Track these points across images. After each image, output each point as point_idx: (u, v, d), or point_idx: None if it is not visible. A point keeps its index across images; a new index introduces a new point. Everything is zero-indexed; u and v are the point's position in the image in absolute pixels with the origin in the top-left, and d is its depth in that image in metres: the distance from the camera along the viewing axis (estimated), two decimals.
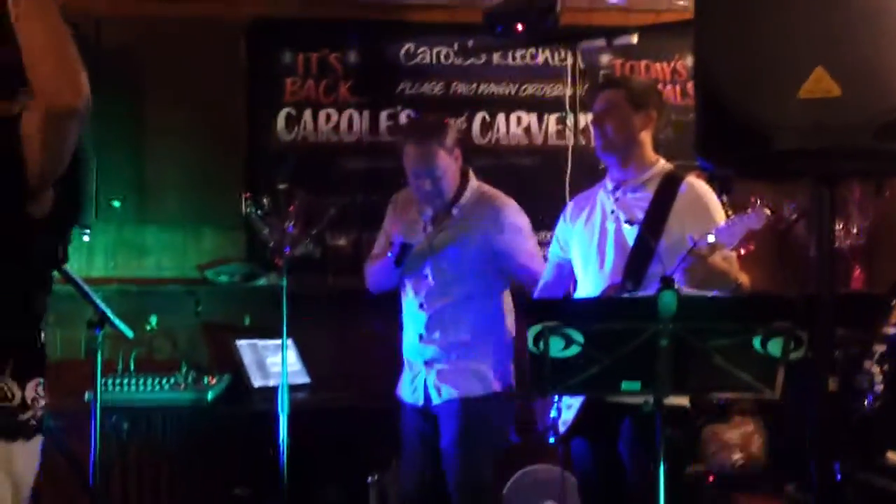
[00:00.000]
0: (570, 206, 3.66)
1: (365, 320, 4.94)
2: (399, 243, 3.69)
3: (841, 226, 4.89)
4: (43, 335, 2.30)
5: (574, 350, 2.49)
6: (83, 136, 2.20)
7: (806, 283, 2.52)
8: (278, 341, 4.18)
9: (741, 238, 2.83)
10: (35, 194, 2.14)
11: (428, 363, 3.79)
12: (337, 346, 5.04)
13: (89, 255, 5.00)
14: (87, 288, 3.88)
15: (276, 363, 4.62)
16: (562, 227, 3.64)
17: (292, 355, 4.79)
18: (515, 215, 3.81)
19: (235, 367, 4.69)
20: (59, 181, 2.18)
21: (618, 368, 2.50)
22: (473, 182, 3.86)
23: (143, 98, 5.21)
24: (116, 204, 5.05)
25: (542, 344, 2.49)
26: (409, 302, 3.86)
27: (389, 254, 3.76)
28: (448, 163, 3.74)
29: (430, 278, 3.78)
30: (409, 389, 3.87)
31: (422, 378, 3.81)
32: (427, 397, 3.80)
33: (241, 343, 4.75)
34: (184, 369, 4.62)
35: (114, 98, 5.05)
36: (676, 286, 2.41)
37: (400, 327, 3.98)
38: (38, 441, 2.24)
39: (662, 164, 3.45)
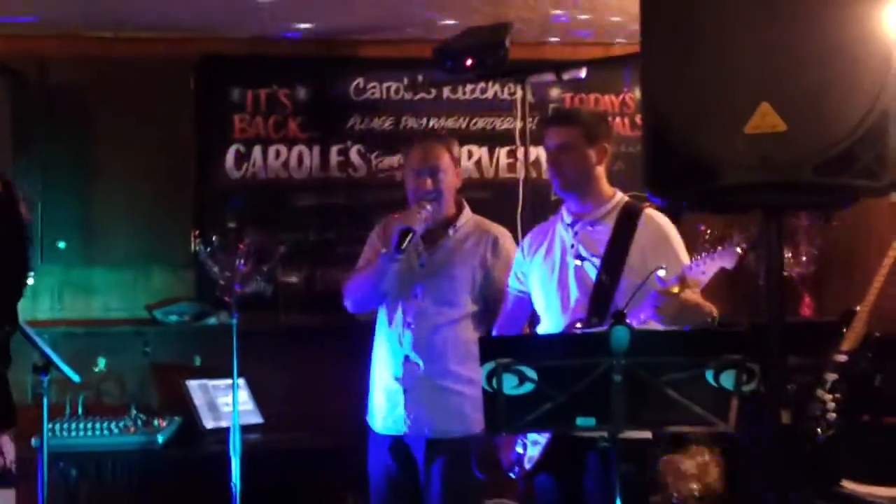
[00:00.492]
0: (527, 239, 3.64)
1: (317, 358, 4.89)
2: (400, 229, 3.56)
3: (790, 254, 4.95)
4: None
5: (528, 387, 2.48)
6: None
7: (756, 311, 2.54)
8: (229, 381, 4.12)
9: (712, 275, 2.85)
10: None
11: (408, 390, 3.67)
12: (290, 384, 4.97)
13: (34, 298, 4.90)
14: (31, 332, 3.81)
15: (227, 403, 4.56)
16: (519, 260, 3.62)
17: (244, 395, 4.73)
18: (512, 245, 3.80)
19: (186, 409, 4.61)
20: None
21: (572, 404, 2.49)
22: (468, 210, 3.86)
23: (90, 137, 5.15)
24: (62, 245, 4.97)
25: (495, 381, 2.47)
26: (395, 321, 3.75)
27: (383, 251, 3.64)
28: (450, 166, 3.74)
29: (420, 297, 3.71)
30: (383, 417, 3.75)
31: (400, 406, 3.69)
32: (405, 426, 3.68)
33: (192, 383, 4.69)
34: (133, 412, 4.54)
35: (60, 138, 5.01)
36: (634, 321, 2.40)
37: (357, 363, 3.92)
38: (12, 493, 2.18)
39: (620, 197, 3.45)
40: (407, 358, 3.68)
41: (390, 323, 3.77)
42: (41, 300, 4.97)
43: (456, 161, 3.81)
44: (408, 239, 3.53)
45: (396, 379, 3.71)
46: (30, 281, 4.64)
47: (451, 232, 3.77)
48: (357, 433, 3.88)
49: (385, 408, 3.75)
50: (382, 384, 3.77)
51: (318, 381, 4.89)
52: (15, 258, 2.26)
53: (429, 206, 3.66)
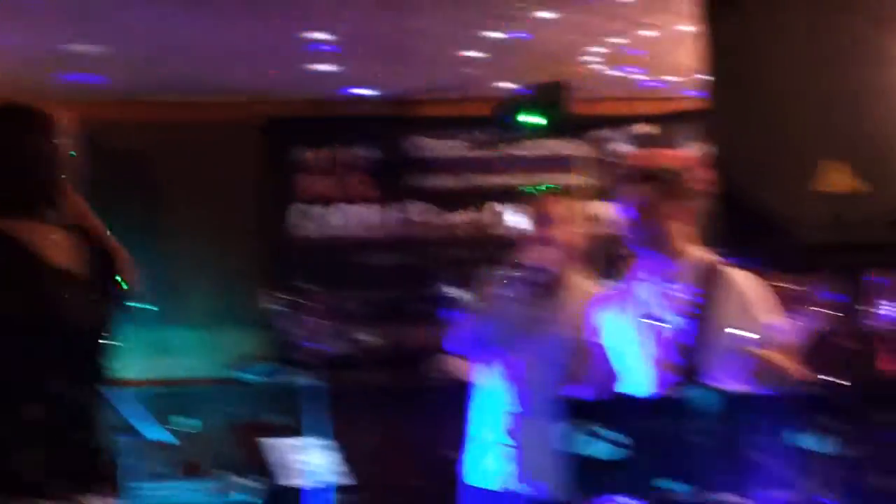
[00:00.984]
0: (605, 296, 3.63)
1: (392, 416, 4.94)
2: (525, 267, 3.58)
3: (873, 309, 4.87)
4: None
5: (611, 450, 2.48)
6: None
7: (841, 371, 2.52)
8: (306, 439, 4.17)
9: (802, 335, 2.81)
10: None
11: (511, 444, 3.62)
12: (365, 442, 5.01)
13: (119, 358, 5.00)
14: (117, 393, 3.90)
15: (303, 461, 4.60)
16: (598, 317, 3.60)
17: (320, 453, 4.77)
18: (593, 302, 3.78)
19: (265, 467, 4.67)
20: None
21: (656, 468, 2.49)
22: (579, 270, 3.82)
23: (161, 200, 5.30)
24: (141, 307, 5.09)
25: (577, 443, 2.49)
26: (503, 376, 3.69)
27: (502, 291, 3.59)
28: (578, 221, 3.73)
29: (528, 354, 3.63)
30: (482, 471, 3.71)
31: (500, 459, 3.65)
32: (504, 481, 3.62)
33: (270, 442, 4.74)
34: (214, 471, 4.60)
35: (134, 203, 5.13)
36: (712, 383, 2.41)
37: (427, 421, 3.92)
38: None
39: (700, 255, 3.41)
40: (511, 413, 3.66)
41: (496, 377, 3.73)
42: (125, 360, 5.06)
43: (578, 221, 3.78)
44: (540, 280, 3.54)
45: (496, 431, 3.68)
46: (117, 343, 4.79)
47: (560, 293, 3.73)
48: (431, 489, 3.90)
49: (480, 459, 3.72)
50: (479, 435, 3.75)
51: (392, 438, 4.93)
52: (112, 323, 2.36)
53: (557, 257, 3.65)
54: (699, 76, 2.42)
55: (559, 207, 3.73)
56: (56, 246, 2.23)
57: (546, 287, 3.68)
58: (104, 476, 2.26)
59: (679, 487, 2.46)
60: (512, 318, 3.64)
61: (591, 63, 4.88)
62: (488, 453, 3.70)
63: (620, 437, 2.46)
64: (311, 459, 4.22)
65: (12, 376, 2.17)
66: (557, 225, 3.68)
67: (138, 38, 4.41)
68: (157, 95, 5.27)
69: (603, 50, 4.70)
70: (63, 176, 2.27)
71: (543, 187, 4.22)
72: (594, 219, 3.89)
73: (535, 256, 3.66)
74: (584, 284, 3.75)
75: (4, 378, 2.16)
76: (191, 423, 4.90)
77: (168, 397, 5.02)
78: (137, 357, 5.11)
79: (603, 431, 2.42)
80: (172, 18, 4.18)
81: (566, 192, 3.94)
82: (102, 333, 2.33)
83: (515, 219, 5.19)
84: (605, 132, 4.68)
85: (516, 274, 3.55)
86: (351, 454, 4.84)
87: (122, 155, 5.19)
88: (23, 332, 2.18)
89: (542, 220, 3.70)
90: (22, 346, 2.18)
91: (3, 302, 2.15)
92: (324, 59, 4.77)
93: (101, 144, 5.05)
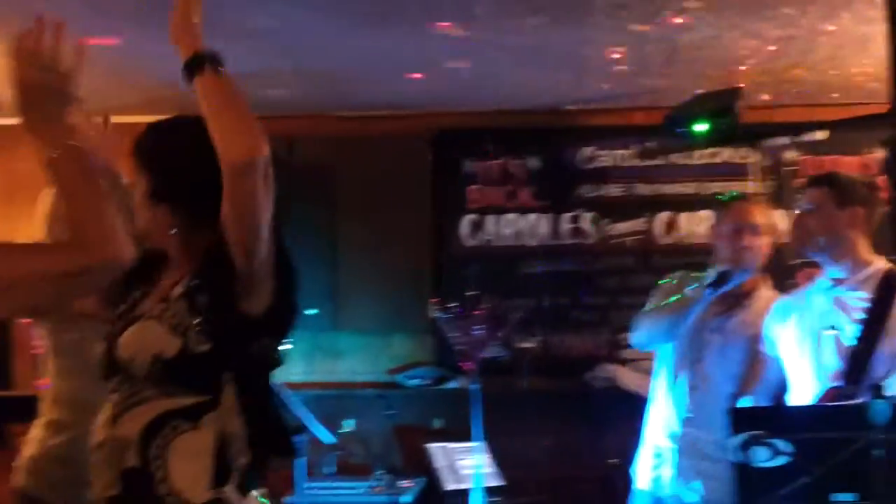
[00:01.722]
0: (779, 304, 3.55)
1: (554, 422, 4.96)
2: (720, 270, 3.46)
3: None
4: None
5: (781, 460, 2.44)
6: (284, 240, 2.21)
7: None
8: (469, 444, 4.24)
9: None
10: (247, 284, 2.06)
11: (682, 451, 3.55)
12: (527, 447, 5.05)
13: (288, 361, 5.22)
14: (287, 394, 4.06)
15: (468, 466, 4.67)
16: (772, 325, 3.53)
17: (484, 458, 4.83)
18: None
19: (428, 470, 4.77)
20: (277, 278, 2.12)
21: (829, 480, 2.43)
22: (769, 283, 3.75)
23: (335, 210, 5.49)
24: (312, 312, 5.29)
25: (747, 453, 2.46)
26: (679, 381, 3.61)
27: (693, 288, 3.46)
28: (769, 230, 3.67)
29: (706, 363, 3.54)
30: (652, 476, 3.63)
31: (670, 465, 3.57)
32: (674, 487, 3.54)
33: (433, 446, 4.84)
34: (378, 472, 4.73)
35: (308, 213, 5.34)
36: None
37: (591, 427, 3.92)
38: None
39: (881, 264, 3.31)
40: (686, 420, 3.63)
41: (673, 382, 3.64)
42: (293, 364, 5.29)
43: (773, 228, 3.65)
44: (726, 282, 3.43)
45: (671, 439, 3.61)
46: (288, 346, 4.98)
47: (747, 302, 3.60)
48: (593, 496, 3.90)
49: (650, 462, 3.65)
50: (651, 439, 3.68)
51: (555, 444, 4.95)
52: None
53: (754, 265, 3.53)
54: (877, 81, 2.36)
55: (757, 214, 3.66)
56: None
57: (737, 295, 3.59)
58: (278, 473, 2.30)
59: (852, 499, 2.40)
60: (696, 324, 3.56)
61: (764, 69, 4.78)
62: (659, 459, 3.66)
63: (791, 447, 2.41)
64: (474, 463, 4.27)
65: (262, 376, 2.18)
66: (756, 232, 3.61)
67: (316, 55, 4.57)
68: (333, 110, 5.45)
69: (777, 56, 4.60)
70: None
71: (735, 194, 4.13)
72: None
73: (730, 263, 3.59)
74: (767, 293, 3.68)
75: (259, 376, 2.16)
76: (348, 425, 5.05)
77: (332, 399, 5.18)
78: (306, 360, 5.32)
79: (774, 441, 2.37)
80: (348, 35, 4.31)
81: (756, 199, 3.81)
82: None
83: (700, 226, 5.14)
84: (780, 140, 4.56)
85: (708, 279, 3.49)
86: (512, 459, 4.89)
87: (301, 167, 5.40)
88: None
89: (739, 226, 3.63)
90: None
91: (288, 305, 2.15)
92: (493, 71, 4.84)
93: (282, 157, 5.32)
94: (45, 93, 1.76)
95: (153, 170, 2.12)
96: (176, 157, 2.13)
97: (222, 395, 2.06)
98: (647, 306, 3.73)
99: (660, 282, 3.78)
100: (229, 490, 2.05)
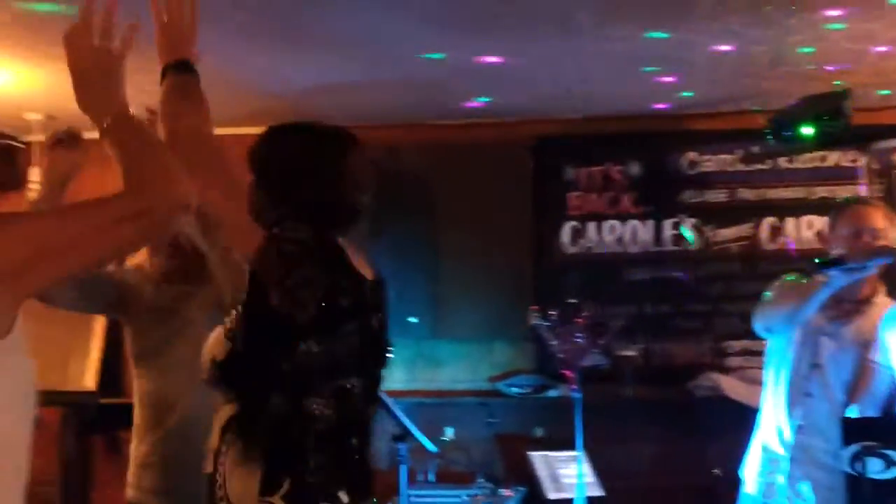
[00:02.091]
0: (891, 310, 3.45)
1: (656, 431, 4.90)
2: (835, 256, 3.35)
3: None
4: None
5: (891, 471, 2.38)
6: None
7: None
8: (571, 453, 4.21)
9: None
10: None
11: (795, 459, 3.47)
12: (629, 457, 5.01)
13: (390, 370, 5.27)
14: (390, 402, 4.10)
15: (569, 475, 4.64)
16: (884, 332, 3.42)
17: (586, 467, 4.80)
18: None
19: (529, 479, 4.76)
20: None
21: None
22: (885, 291, 3.66)
23: (436, 218, 5.52)
24: (414, 320, 5.33)
25: (859, 465, 2.40)
26: (794, 386, 3.50)
27: (814, 290, 3.33)
28: (888, 234, 3.60)
29: (823, 369, 3.45)
30: (760, 480, 3.57)
31: (780, 473, 3.50)
32: (784, 495, 3.46)
33: (535, 455, 4.82)
34: (480, 480, 4.74)
35: (410, 221, 5.39)
36: None
37: (693, 437, 3.87)
38: None
39: None
40: (799, 428, 3.53)
41: (789, 387, 3.54)
42: (395, 372, 5.34)
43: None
44: (838, 267, 3.30)
45: (783, 446, 3.54)
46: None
47: (864, 308, 3.49)
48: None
49: (760, 468, 3.58)
50: (765, 445, 3.59)
51: (657, 454, 4.90)
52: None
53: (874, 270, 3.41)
54: None
55: (877, 217, 3.56)
56: (357, 259, 2.31)
57: (854, 301, 3.49)
58: (365, 482, 2.30)
59: None
60: (811, 327, 3.48)
61: (874, 70, 4.64)
62: (770, 465, 3.58)
63: None
64: (575, 472, 4.24)
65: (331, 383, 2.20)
66: (875, 236, 3.50)
67: (417, 65, 4.61)
68: (434, 119, 5.49)
69: (887, 56, 4.46)
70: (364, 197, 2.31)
71: (854, 198, 4.01)
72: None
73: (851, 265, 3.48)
74: (884, 300, 3.56)
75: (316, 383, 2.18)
76: (449, 433, 5.07)
77: (433, 407, 5.20)
78: (408, 368, 5.36)
79: (889, 452, 2.31)
80: (450, 43, 4.33)
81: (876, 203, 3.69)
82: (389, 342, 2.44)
83: (807, 231, 5.03)
84: (890, 142, 4.44)
85: (827, 282, 3.40)
86: (614, 469, 4.85)
87: (404, 175, 5.46)
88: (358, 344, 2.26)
89: (858, 230, 3.53)
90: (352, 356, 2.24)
91: (338, 309, 2.19)
92: (594, 77, 4.80)
93: (386, 166, 5.39)
94: (96, 73, 1.80)
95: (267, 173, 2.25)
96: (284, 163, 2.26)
97: (270, 402, 2.12)
98: (770, 293, 3.61)
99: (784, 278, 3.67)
100: (277, 499, 2.10)
